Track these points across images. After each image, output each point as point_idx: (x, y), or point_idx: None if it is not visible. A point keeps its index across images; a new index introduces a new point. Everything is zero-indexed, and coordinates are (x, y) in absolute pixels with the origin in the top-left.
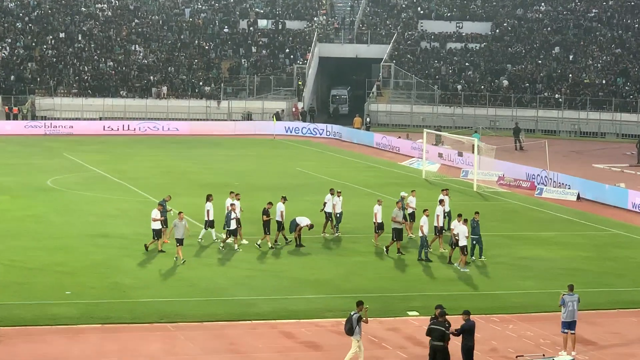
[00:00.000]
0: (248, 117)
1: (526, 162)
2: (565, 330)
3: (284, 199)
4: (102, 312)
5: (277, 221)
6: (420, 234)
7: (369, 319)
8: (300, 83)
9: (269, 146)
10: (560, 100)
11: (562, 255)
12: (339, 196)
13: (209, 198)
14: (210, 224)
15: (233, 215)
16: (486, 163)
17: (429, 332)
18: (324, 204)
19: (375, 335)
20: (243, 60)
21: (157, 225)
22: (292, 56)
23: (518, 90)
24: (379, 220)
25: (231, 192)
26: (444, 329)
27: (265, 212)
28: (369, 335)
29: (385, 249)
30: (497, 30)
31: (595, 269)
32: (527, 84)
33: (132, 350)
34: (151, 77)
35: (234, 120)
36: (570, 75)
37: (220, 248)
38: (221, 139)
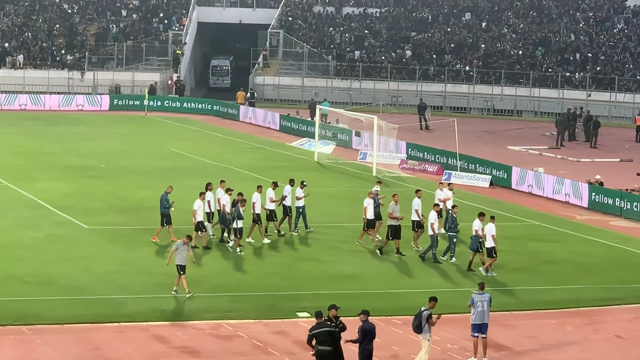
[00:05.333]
0: (116, 90)
1: (432, 143)
2: (476, 334)
3: (275, 184)
4: None
5: (266, 209)
6: (430, 233)
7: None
8: (179, 52)
9: (140, 124)
10: (472, 73)
11: None
12: (302, 188)
13: (208, 187)
14: (209, 217)
15: (240, 210)
16: (387, 144)
17: (311, 339)
18: (284, 197)
19: (260, 340)
20: (111, 25)
21: (199, 217)
22: (166, 21)
23: (423, 62)
24: (370, 217)
25: (222, 182)
26: (329, 329)
27: (235, 204)
28: (252, 339)
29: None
30: None
31: (509, 265)
32: (434, 55)
33: None
34: (5, 44)
35: (100, 93)
36: (483, 45)
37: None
38: (85, 115)
